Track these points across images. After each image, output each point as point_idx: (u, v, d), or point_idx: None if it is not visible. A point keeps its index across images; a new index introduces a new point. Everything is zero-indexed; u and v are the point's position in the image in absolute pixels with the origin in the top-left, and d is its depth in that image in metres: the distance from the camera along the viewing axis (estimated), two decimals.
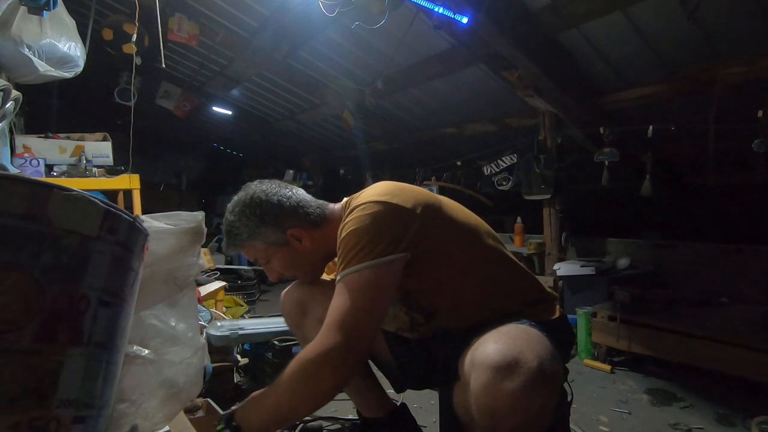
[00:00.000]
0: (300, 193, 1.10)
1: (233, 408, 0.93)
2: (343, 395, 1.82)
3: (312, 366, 0.86)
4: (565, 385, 1.17)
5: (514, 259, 1.09)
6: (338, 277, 0.91)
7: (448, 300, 1.03)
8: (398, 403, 1.33)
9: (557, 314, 1.06)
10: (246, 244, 1.07)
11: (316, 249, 1.08)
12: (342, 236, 0.94)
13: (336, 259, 0.99)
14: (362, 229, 0.91)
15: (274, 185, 1.09)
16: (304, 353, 0.89)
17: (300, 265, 1.11)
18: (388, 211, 0.92)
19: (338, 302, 0.89)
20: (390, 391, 1.34)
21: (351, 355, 0.87)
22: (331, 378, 0.86)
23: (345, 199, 1.09)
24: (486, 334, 0.84)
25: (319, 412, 1.68)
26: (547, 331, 0.88)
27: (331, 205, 1.13)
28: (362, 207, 0.94)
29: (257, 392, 0.94)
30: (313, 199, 1.12)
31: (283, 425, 0.90)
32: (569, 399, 1.17)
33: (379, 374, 1.33)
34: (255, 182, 1.11)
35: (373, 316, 0.89)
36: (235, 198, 1.09)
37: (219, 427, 0.88)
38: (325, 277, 1.25)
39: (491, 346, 0.79)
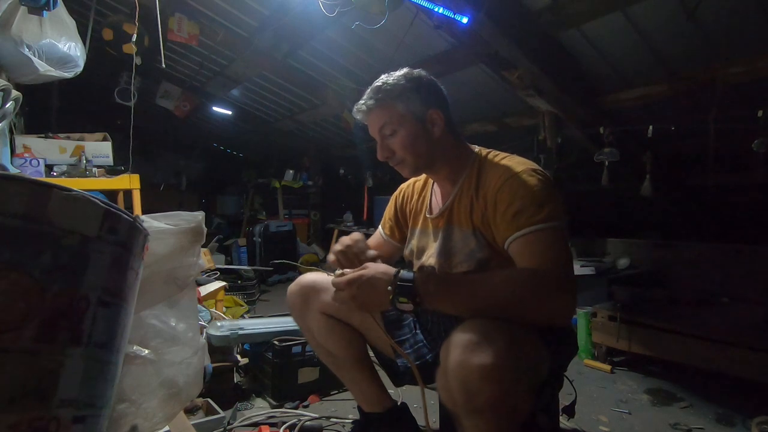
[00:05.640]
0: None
1: (408, 274, 0.85)
2: (344, 395, 1.83)
3: (539, 280, 0.86)
4: (567, 384, 1.18)
5: None
6: (532, 227, 0.91)
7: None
8: (399, 403, 1.33)
9: None
10: (388, 103, 1.07)
11: (437, 142, 1.09)
12: (518, 185, 0.96)
13: (493, 201, 1.00)
14: (544, 189, 0.95)
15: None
16: (527, 272, 0.88)
17: (417, 149, 1.08)
18: (553, 185, 1.00)
19: (548, 247, 0.90)
20: (391, 391, 1.34)
21: (573, 298, 0.88)
22: (546, 300, 0.85)
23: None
24: (466, 322, 0.85)
25: (319, 412, 1.68)
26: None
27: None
28: (532, 170, 0.99)
29: (444, 275, 0.91)
30: None
31: (467, 315, 0.85)
32: (573, 399, 1.17)
33: (380, 373, 1.33)
34: None
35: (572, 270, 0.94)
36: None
37: (402, 300, 0.80)
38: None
39: (466, 328, 0.81)
